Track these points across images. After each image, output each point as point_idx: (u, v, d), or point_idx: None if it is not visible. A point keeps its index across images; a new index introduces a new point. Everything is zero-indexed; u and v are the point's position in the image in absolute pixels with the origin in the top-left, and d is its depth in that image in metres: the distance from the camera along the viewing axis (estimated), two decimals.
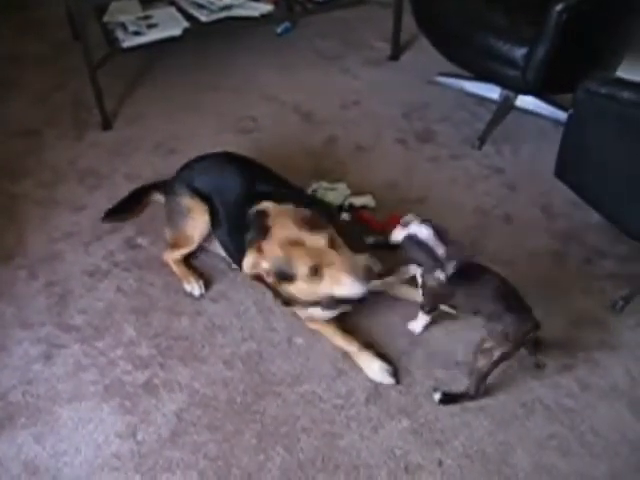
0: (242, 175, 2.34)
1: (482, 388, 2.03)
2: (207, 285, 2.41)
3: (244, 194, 2.27)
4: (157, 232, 2.54)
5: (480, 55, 2.73)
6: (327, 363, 2.17)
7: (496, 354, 1.92)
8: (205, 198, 2.36)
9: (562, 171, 2.40)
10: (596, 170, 2.26)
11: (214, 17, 3.19)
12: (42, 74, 3.50)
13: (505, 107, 3.09)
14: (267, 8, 3.26)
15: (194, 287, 2.39)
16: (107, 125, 3.13)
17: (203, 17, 3.18)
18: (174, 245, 2.44)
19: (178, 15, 3.21)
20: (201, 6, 3.23)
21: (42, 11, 3.95)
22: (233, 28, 3.29)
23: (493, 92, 3.12)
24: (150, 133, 3.09)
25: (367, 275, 1.93)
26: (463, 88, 3.24)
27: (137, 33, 3.09)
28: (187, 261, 2.47)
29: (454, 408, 2.04)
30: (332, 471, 1.91)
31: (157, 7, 3.27)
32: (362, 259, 1.97)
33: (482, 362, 1.96)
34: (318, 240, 1.96)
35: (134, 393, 2.11)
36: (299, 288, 2.01)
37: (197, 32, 3.19)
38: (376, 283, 2.12)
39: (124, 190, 2.71)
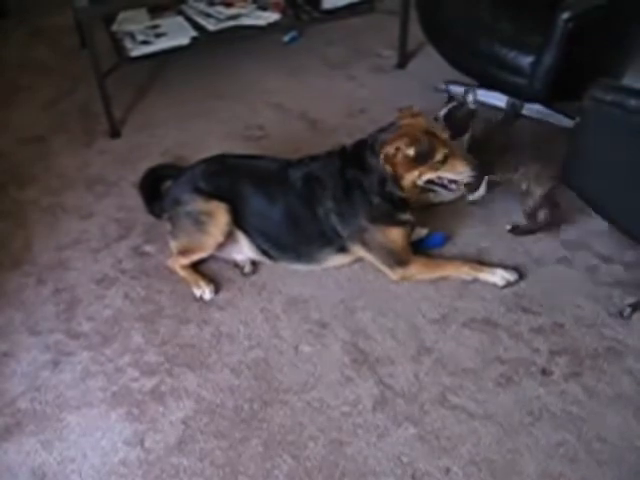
0: (259, 157, 2.56)
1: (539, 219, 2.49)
2: (216, 291, 2.43)
3: (279, 169, 2.45)
4: (164, 240, 2.54)
5: (487, 63, 2.74)
6: (334, 370, 2.17)
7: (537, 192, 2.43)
8: (220, 198, 2.39)
9: (569, 178, 2.40)
10: (602, 177, 2.26)
11: (222, 26, 3.22)
12: (50, 81, 3.53)
13: (512, 114, 3.09)
14: (274, 17, 3.29)
15: (204, 291, 2.40)
16: (115, 133, 3.15)
17: (211, 26, 3.21)
18: (185, 252, 2.43)
19: (186, 24, 3.24)
20: (209, 15, 3.26)
21: (51, 19, 3.98)
22: (240, 37, 3.31)
23: (500, 100, 3.12)
24: (158, 141, 3.11)
25: (475, 165, 2.36)
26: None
27: (145, 42, 3.12)
28: (194, 267, 2.47)
29: (461, 415, 2.04)
30: (339, 478, 1.91)
31: (165, 16, 3.30)
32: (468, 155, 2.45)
33: (527, 203, 2.47)
34: (445, 134, 2.35)
35: (141, 400, 2.11)
36: (419, 172, 2.33)
37: (205, 41, 3.22)
38: None
39: (132, 198, 2.72)
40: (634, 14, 2.58)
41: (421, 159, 2.29)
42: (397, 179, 2.33)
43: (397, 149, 2.26)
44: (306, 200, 2.39)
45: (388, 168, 2.30)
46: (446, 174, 2.35)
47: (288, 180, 2.41)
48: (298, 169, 2.43)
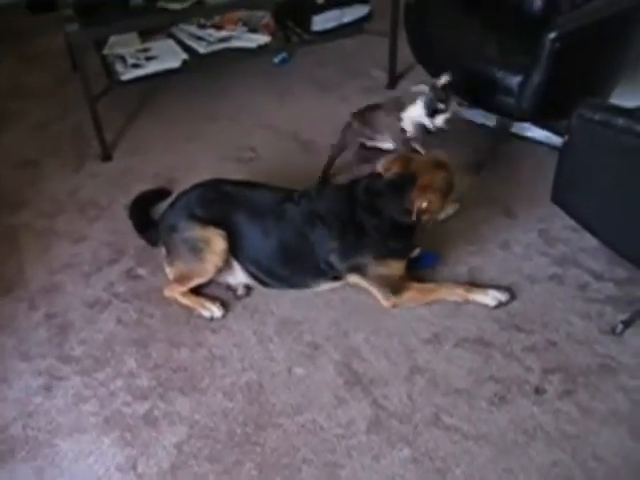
0: (257, 185, 2.52)
1: None
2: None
3: (277, 203, 2.41)
4: (157, 262, 2.55)
5: (475, 83, 2.75)
6: (327, 392, 2.17)
7: None
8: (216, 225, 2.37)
9: (558, 196, 2.42)
10: (592, 196, 2.27)
11: (212, 49, 3.24)
12: (42, 105, 3.53)
13: (501, 133, 3.11)
14: (264, 39, 3.31)
15: (213, 310, 2.40)
16: (107, 156, 3.15)
17: (201, 49, 3.24)
18: (183, 279, 2.42)
19: (177, 47, 3.26)
20: (199, 38, 3.28)
21: (43, 42, 3.99)
22: (231, 59, 3.34)
23: (489, 119, 3.15)
24: (150, 163, 3.12)
25: None
26: (460, 115, 3.26)
27: (136, 65, 3.13)
28: (194, 291, 2.45)
29: (455, 436, 2.04)
30: None
31: (156, 40, 3.31)
32: None
33: None
34: (444, 154, 2.42)
35: (134, 425, 2.10)
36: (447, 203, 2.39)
37: (196, 64, 3.25)
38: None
39: (124, 221, 2.72)
40: (621, 33, 2.60)
41: (447, 193, 2.33)
42: (432, 215, 2.32)
43: (429, 203, 2.25)
44: (304, 237, 2.36)
45: (424, 205, 2.25)
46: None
47: (286, 215, 2.38)
48: (299, 205, 2.39)
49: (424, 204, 2.23)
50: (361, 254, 2.35)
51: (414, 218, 2.26)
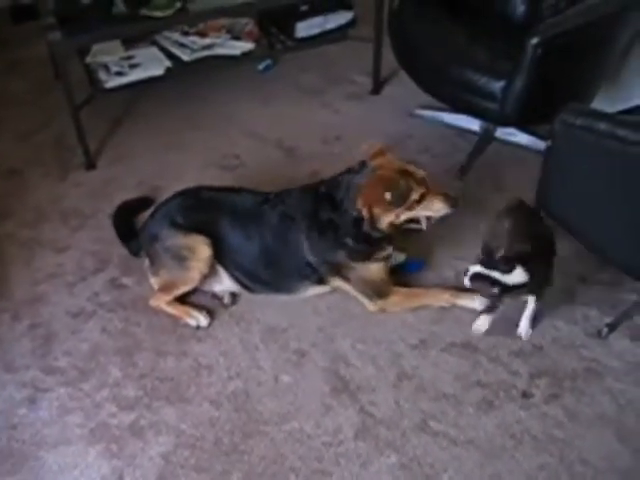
0: (236, 190, 2.51)
1: None
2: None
3: (255, 205, 2.41)
4: (142, 271, 2.53)
5: (458, 89, 2.76)
6: (315, 400, 2.16)
7: None
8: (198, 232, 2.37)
9: (543, 201, 2.42)
10: (575, 200, 2.28)
11: (196, 56, 3.23)
12: (25, 113, 3.51)
13: (486, 138, 3.12)
14: (248, 46, 3.31)
15: (199, 319, 2.39)
16: (90, 165, 3.13)
17: (185, 56, 3.23)
18: (168, 288, 2.41)
19: (160, 55, 3.25)
20: (183, 45, 3.27)
21: (26, 50, 3.96)
22: (215, 66, 3.34)
23: (473, 124, 3.15)
24: (134, 172, 3.10)
25: (453, 201, 2.29)
26: (444, 120, 3.27)
27: (119, 73, 3.12)
28: (179, 300, 2.44)
29: (442, 441, 2.04)
30: None
31: (139, 47, 3.30)
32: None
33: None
34: (420, 172, 2.28)
35: (120, 436, 2.09)
36: (396, 214, 2.26)
37: (179, 71, 3.24)
38: None
39: (108, 230, 2.70)
40: (602, 39, 2.62)
41: (398, 202, 2.22)
42: (374, 222, 2.26)
43: (377, 195, 2.20)
44: (281, 238, 2.36)
45: (365, 212, 2.23)
46: (423, 212, 2.30)
47: (264, 217, 2.38)
48: (274, 206, 2.39)
49: (371, 197, 2.20)
50: (334, 252, 2.33)
51: (360, 210, 2.22)
